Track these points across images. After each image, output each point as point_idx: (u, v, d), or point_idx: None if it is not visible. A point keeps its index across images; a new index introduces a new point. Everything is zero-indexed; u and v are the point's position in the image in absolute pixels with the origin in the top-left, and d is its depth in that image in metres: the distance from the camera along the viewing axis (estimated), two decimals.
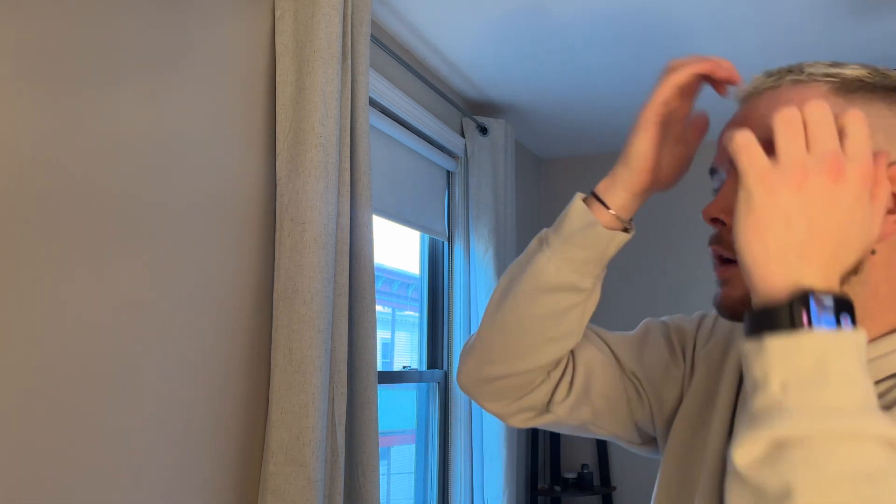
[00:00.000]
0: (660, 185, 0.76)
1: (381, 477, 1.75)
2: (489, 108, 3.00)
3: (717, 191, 0.69)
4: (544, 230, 0.79)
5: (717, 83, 0.73)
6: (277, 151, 1.63)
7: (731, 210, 0.62)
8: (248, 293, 1.59)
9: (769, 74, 0.67)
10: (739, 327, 0.80)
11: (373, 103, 2.19)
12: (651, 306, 3.31)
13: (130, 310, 1.31)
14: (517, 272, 0.78)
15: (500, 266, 2.72)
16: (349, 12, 1.76)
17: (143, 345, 1.34)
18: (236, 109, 1.59)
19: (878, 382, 0.60)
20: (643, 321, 0.88)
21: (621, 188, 0.74)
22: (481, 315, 2.45)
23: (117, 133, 1.31)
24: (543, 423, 0.84)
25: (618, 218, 0.75)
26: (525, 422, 0.84)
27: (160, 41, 1.41)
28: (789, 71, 0.65)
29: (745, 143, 0.55)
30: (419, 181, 2.60)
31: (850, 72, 0.64)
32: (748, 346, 0.54)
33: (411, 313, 2.85)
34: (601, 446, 3.41)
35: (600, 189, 0.76)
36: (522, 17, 2.22)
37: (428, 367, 2.72)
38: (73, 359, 1.21)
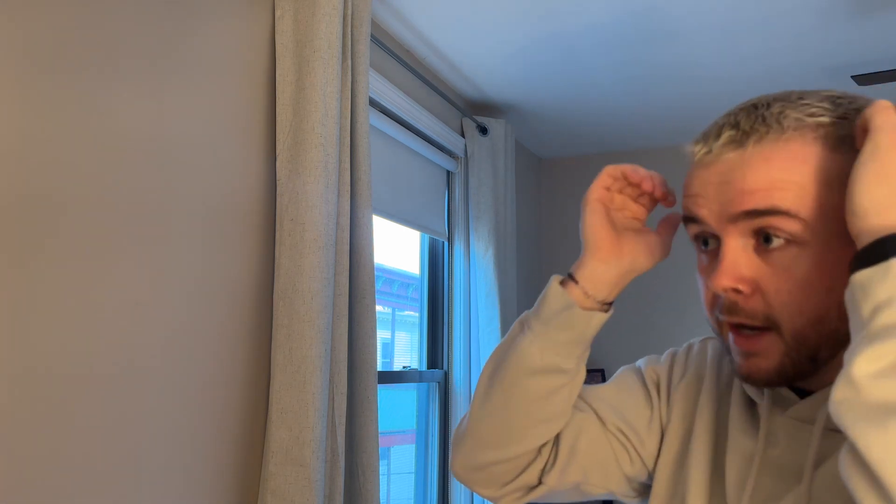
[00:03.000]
0: (634, 268, 0.77)
1: (381, 477, 1.75)
2: (489, 108, 3.00)
3: (708, 252, 0.68)
4: (525, 313, 0.80)
5: (657, 196, 0.76)
6: (277, 151, 1.63)
7: (747, 278, 0.63)
8: (248, 293, 1.59)
9: (745, 131, 0.64)
10: (710, 360, 0.80)
11: (373, 103, 2.19)
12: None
13: (130, 309, 1.31)
14: (501, 356, 0.78)
15: (501, 266, 2.72)
16: (349, 12, 1.76)
17: (142, 345, 1.34)
18: (236, 109, 1.59)
19: None
20: (618, 371, 0.87)
21: (590, 269, 0.76)
22: (481, 315, 2.45)
23: (117, 133, 1.31)
24: (536, 496, 0.83)
25: (594, 298, 0.75)
26: (518, 500, 0.83)
27: (160, 41, 1.41)
28: (766, 125, 0.63)
29: (885, 106, 0.57)
30: (419, 181, 2.60)
31: (827, 117, 0.62)
32: (867, 274, 0.53)
33: (411, 313, 2.85)
34: None
35: (574, 270, 0.77)
36: (523, 18, 2.22)
37: (428, 367, 2.72)
38: (72, 358, 1.21)
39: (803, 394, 0.68)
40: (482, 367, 0.81)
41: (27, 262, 1.15)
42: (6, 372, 1.11)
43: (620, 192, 0.77)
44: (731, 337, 0.66)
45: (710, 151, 0.65)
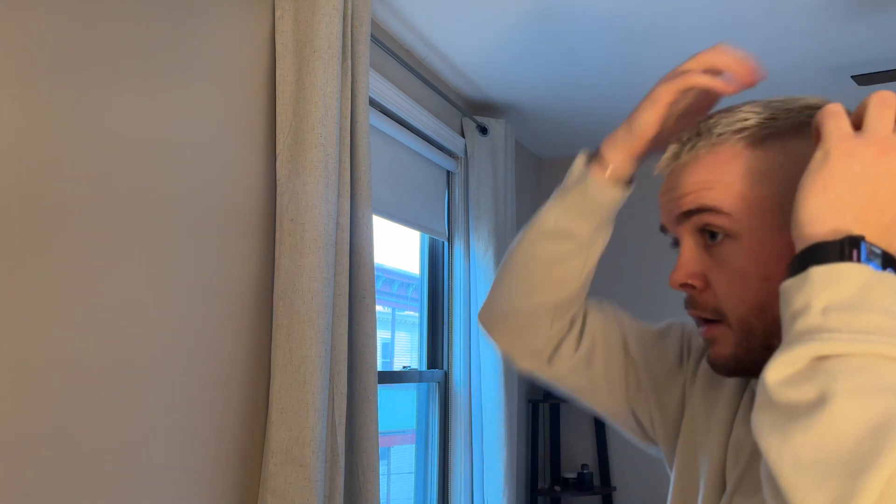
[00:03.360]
0: (659, 147, 0.78)
1: (381, 477, 1.75)
2: (489, 108, 3.00)
3: (675, 245, 0.71)
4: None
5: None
6: (277, 151, 1.63)
7: (697, 273, 0.67)
8: (248, 293, 1.59)
9: (682, 143, 0.69)
10: None
11: (373, 103, 2.19)
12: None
13: (130, 309, 1.31)
14: (527, 223, 0.85)
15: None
16: (349, 12, 1.76)
17: (142, 344, 1.34)
18: (236, 109, 1.59)
19: None
20: (667, 321, 0.92)
21: (621, 149, 0.78)
22: None
23: (117, 133, 1.31)
24: (545, 375, 0.89)
25: (614, 175, 0.78)
26: (531, 366, 0.89)
27: (161, 41, 1.41)
28: (699, 135, 0.67)
29: (835, 111, 0.58)
30: (419, 181, 2.60)
31: (753, 118, 0.65)
32: (789, 283, 0.55)
33: (411, 313, 2.85)
34: (601, 447, 3.41)
35: (602, 146, 0.80)
36: (523, 18, 2.22)
37: (428, 367, 2.72)
38: (72, 358, 1.21)
39: None
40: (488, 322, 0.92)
41: (27, 262, 1.15)
42: (6, 372, 1.11)
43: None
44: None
45: (662, 168, 0.71)
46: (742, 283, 0.65)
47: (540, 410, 3.43)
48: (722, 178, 0.65)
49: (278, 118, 1.64)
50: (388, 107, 2.27)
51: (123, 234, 1.31)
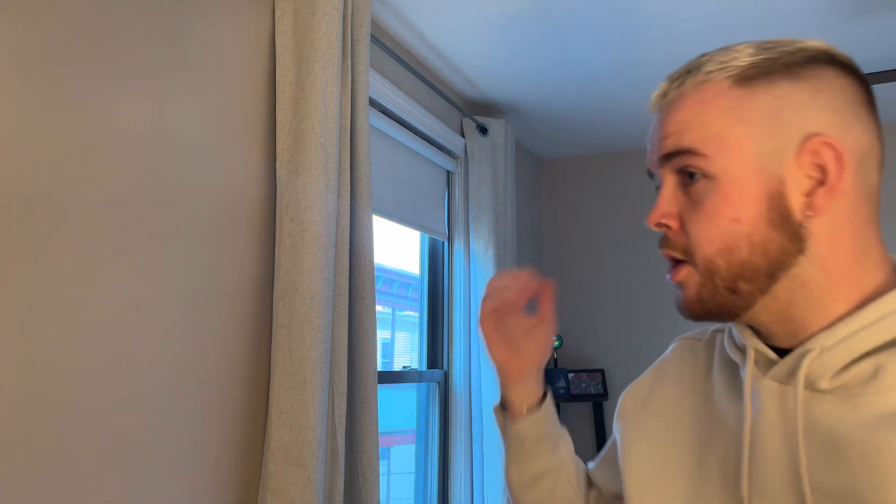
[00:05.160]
0: (541, 363, 0.88)
1: (381, 477, 1.75)
2: (489, 108, 3.00)
3: (658, 188, 0.72)
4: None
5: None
6: (277, 151, 1.63)
7: (672, 213, 0.68)
8: (248, 293, 1.59)
9: (672, 80, 0.69)
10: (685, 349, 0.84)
11: (373, 103, 2.19)
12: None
13: (130, 309, 1.31)
14: (505, 491, 0.92)
15: (500, 266, 2.72)
16: (349, 12, 1.76)
17: (142, 345, 1.34)
18: (236, 109, 1.59)
19: (851, 364, 0.61)
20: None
21: (509, 387, 0.88)
22: None
23: (117, 133, 1.31)
24: None
25: (524, 408, 0.87)
26: None
27: (160, 41, 1.41)
28: (688, 72, 0.68)
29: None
30: (419, 181, 2.60)
31: (745, 58, 0.65)
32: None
33: (411, 313, 2.85)
34: (601, 446, 3.41)
35: (502, 395, 0.89)
36: (523, 17, 2.22)
37: (428, 367, 2.72)
38: (72, 358, 1.21)
39: (783, 353, 0.67)
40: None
41: (25, 262, 1.15)
42: (5, 372, 1.11)
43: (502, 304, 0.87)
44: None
45: (652, 107, 0.72)
46: (711, 222, 0.65)
47: None
48: (703, 118, 0.65)
49: (278, 118, 1.64)
50: (388, 107, 2.27)
51: (123, 234, 1.31)
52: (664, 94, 0.70)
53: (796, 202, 0.63)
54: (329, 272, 1.60)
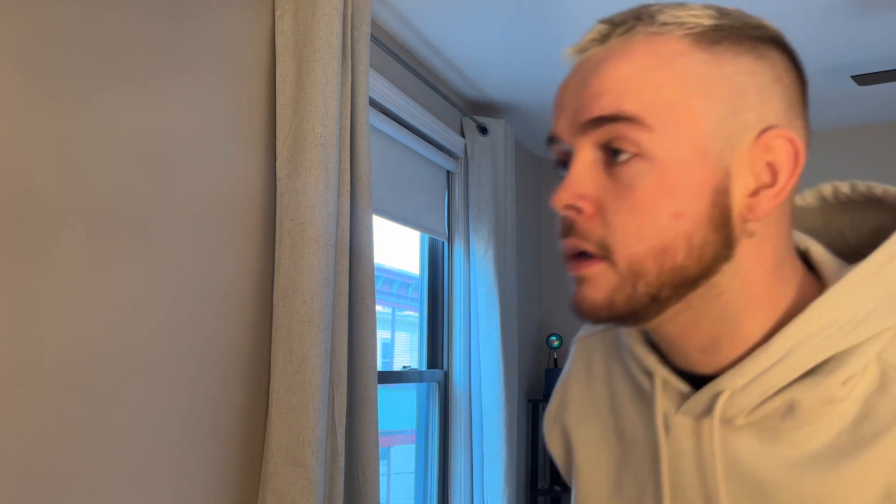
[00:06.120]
0: None
1: (381, 477, 1.75)
2: (489, 108, 3.00)
3: (561, 164, 0.58)
4: None
5: None
6: (277, 151, 1.63)
7: (589, 195, 0.54)
8: (248, 293, 1.59)
9: (614, 23, 0.56)
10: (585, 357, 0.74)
11: (373, 103, 2.19)
12: None
13: (130, 309, 1.31)
14: None
15: (500, 266, 2.72)
16: (349, 12, 1.76)
17: (143, 345, 1.34)
18: (236, 109, 1.59)
19: (764, 401, 0.55)
20: None
21: None
22: (481, 315, 2.47)
23: (117, 133, 1.31)
24: None
25: None
26: None
27: (160, 41, 1.41)
28: (637, 18, 0.54)
29: None
30: (419, 181, 2.60)
31: (707, 19, 0.54)
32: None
33: (411, 313, 2.85)
34: None
35: None
36: (522, 17, 2.22)
37: (428, 367, 2.72)
38: (72, 358, 1.21)
39: (694, 378, 0.59)
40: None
41: (26, 262, 1.15)
42: (5, 372, 1.11)
43: None
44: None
45: (578, 50, 0.58)
46: (646, 215, 0.52)
47: (540, 410, 3.43)
48: (654, 77, 0.52)
49: (278, 118, 1.64)
50: (388, 107, 2.27)
51: (123, 234, 1.31)
52: (603, 37, 0.56)
53: (738, 202, 0.53)
54: (329, 272, 1.60)
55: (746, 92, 0.53)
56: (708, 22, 0.54)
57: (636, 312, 0.55)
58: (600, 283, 0.54)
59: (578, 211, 0.54)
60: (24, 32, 1.16)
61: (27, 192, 1.15)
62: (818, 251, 0.59)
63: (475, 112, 2.95)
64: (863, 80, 2.41)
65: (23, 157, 1.15)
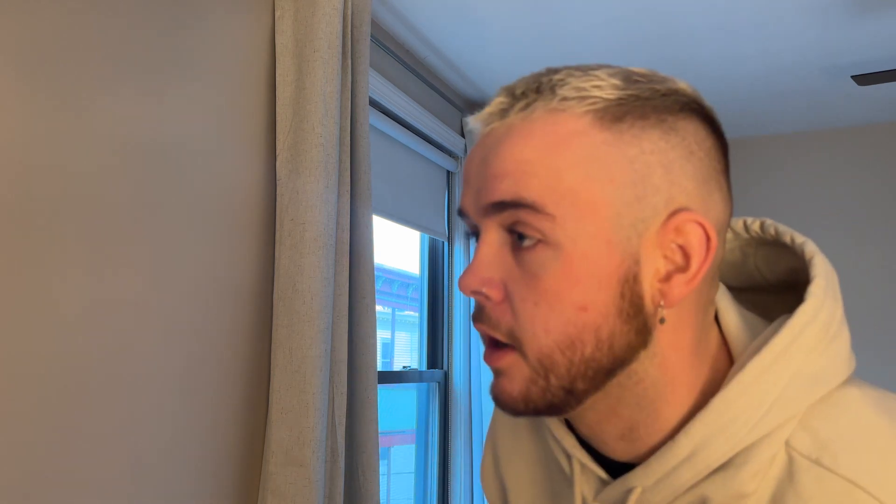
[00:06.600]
0: None
1: (381, 477, 1.75)
2: None
3: (475, 236, 0.56)
4: None
5: None
6: (277, 151, 1.63)
7: (495, 281, 0.52)
8: (248, 293, 1.59)
9: (514, 95, 0.54)
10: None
11: (373, 103, 2.19)
12: None
13: (130, 310, 1.31)
14: None
15: None
16: (349, 12, 1.76)
17: (142, 345, 1.34)
18: (236, 109, 1.59)
19: (674, 501, 0.53)
20: None
21: None
22: None
23: (117, 133, 1.31)
24: None
25: None
26: None
27: (160, 41, 1.41)
28: (538, 91, 0.52)
29: None
30: (419, 181, 2.60)
31: (610, 90, 0.52)
32: None
33: (411, 313, 2.85)
34: None
35: None
36: (522, 17, 2.22)
37: (428, 367, 2.72)
38: (72, 358, 1.21)
39: (613, 466, 0.58)
40: None
41: (26, 262, 1.15)
42: (5, 372, 1.11)
43: None
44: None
45: (481, 122, 0.56)
46: (552, 307, 0.50)
47: None
48: (554, 162, 0.50)
49: (278, 118, 1.64)
50: (388, 107, 2.27)
51: (123, 234, 1.31)
52: (502, 113, 0.53)
53: (649, 289, 0.51)
54: (329, 272, 1.60)
55: (653, 174, 0.50)
56: (611, 95, 0.51)
57: (554, 405, 0.52)
58: (515, 376, 0.52)
59: (486, 297, 0.53)
60: (24, 32, 1.16)
61: (27, 192, 1.15)
62: (730, 322, 0.56)
63: (475, 112, 2.94)
64: (863, 80, 2.41)
65: (23, 158, 1.15)
